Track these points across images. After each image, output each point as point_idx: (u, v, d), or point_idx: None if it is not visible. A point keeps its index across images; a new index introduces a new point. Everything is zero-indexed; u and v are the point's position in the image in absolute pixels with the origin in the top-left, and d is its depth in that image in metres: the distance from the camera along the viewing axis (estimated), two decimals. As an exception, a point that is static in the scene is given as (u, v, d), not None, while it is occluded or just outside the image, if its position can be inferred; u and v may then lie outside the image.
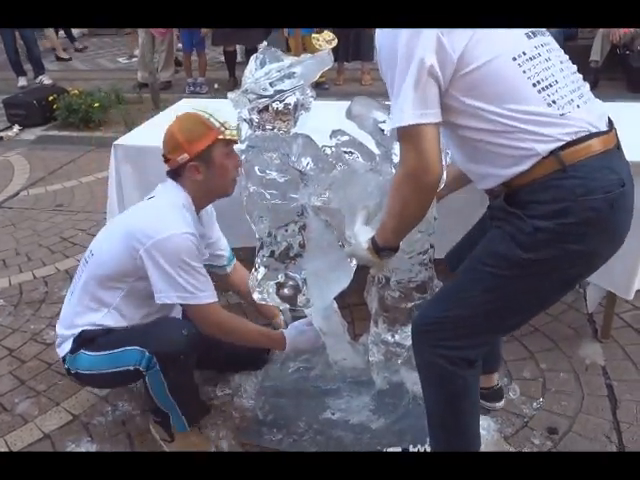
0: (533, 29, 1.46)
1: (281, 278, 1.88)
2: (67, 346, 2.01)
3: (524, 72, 1.40)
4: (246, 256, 2.07)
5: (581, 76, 1.52)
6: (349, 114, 1.86)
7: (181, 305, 1.99)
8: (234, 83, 6.53)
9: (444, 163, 1.68)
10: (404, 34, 1.36)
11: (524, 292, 1.50)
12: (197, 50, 6.68)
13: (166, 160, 1.99)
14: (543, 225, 1.40)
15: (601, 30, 5.76)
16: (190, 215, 1.96)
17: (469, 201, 2.04)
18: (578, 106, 1.43)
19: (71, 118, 5.60)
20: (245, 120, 1.86)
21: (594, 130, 1.42)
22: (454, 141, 1.56)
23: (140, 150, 2.67)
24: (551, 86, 1.41)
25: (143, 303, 2.00)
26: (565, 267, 1.46)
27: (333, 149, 1.85)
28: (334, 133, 1.87)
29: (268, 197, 1.81)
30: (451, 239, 1.98)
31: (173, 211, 1.92)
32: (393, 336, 1.96)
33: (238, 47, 6.94)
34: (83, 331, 1.99)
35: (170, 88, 6.74)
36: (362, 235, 1.67)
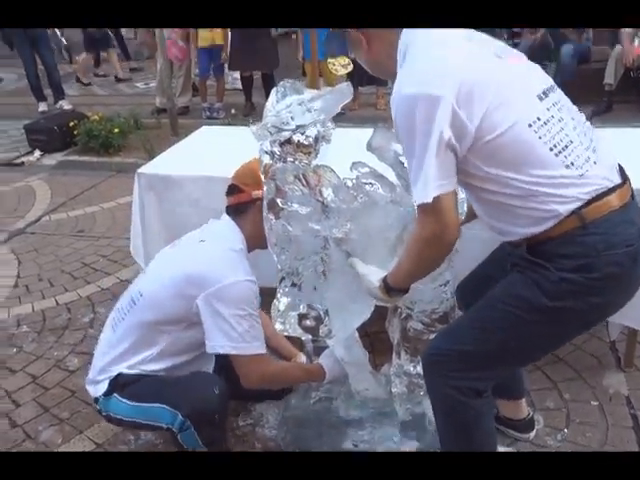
0: (544, 88, 1.49)
1: (303, 309, 1.89)
2: (102, 387, 1.99)
3: (540, 138, 1.42)
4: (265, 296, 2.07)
5: (589, 123, 1.55)
6: (369, 146, 1.87)
7: (232, 355, 1.93)
8: (251, 108, 6.61)
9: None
10: (421, 107, 1.37)
11: (540, 335, 1.55)
12: (215, 75, 6.77)
13: (234, 191, 1.98)
14: (569, 277, 1.43)
15: (615, 53, 5.77)
16: (247, 260, 1.93)
17: (488, 235, 2.05)
18: (595, 162, 1.46)
19: (91, 143, 5.69)
20: (267, 152, 1.87)
21: (611, 185, 1.46)
22: (473, 197, 1.59)
23: (163, 179, 2.70)
24: (567, 147, 1.44)
25: (185, 350, 2.00)
26: (585, 315, 1.51)
27: (354, 181, 1.87)
28: (354, 165, 1.89)
29: (290, 229, 1.82)
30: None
31: (233, 256, 1.91)
32: (415, 367, 1.96)
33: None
34: (120, 374, 1.96)
35: (188, 113, 6.83)
36: (373, 275, 1.70)
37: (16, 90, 8.54)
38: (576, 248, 1.43)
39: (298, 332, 1.93)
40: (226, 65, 6.74)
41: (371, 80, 6.47)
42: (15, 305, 3.29)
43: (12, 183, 5.18)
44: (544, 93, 1.48)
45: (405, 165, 1.83)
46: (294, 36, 7.08)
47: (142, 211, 2.76)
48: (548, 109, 1.46)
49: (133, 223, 2.80)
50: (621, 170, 1.53)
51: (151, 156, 4.73)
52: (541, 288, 1.46)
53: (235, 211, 1.98)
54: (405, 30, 1.50)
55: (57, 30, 9.60)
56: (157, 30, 6.11)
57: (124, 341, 1.98)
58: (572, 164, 1.43)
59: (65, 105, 7.23)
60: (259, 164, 1.90)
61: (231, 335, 1.86)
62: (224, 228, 1.99)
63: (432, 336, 1.92)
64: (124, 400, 1.95)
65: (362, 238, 1.83)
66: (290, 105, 1.82)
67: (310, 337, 2.00)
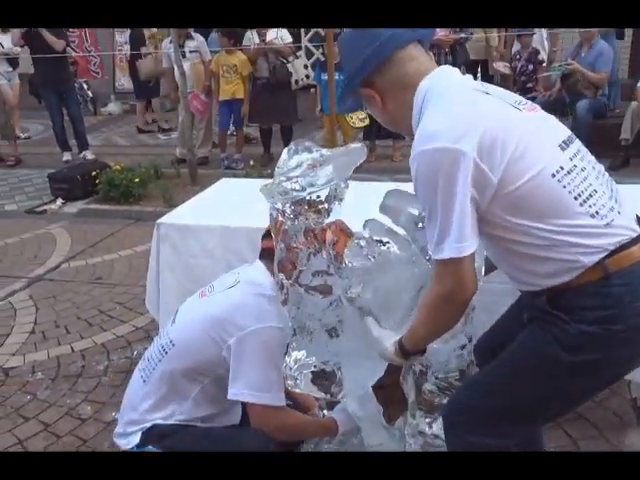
0: (565, 138, 1.49)
1: (315, 367, 1.86)
2: (134, 439, 1.95)
3: (564, 187, 1.41)
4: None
5: (607, 174, 1.54)
6: (383, 209, 1.85)
7: (250, 403, 1.91)
8: (269, 159, 6.72)
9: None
10: (442, 162, 1.36)
11: (561, 391, 1.51)
12: (235, 128, 6.92)
13: (268, 236, 1.95)
14: (589, 330, 1.40)
15: (631, 108, 5.82)
16: (278, 305, 1.89)
17: (506, 291, 2.04)
18: (619, 212, 1.45)
19: (112, 192, 5.79)
20: (278, 210, 1.84)
21: (634, 235, 1.44)
22: (494, 247, 1.56)
23: (179, 229, 2.73)
24: (591, 197, 1.42)
25: (219, 400, 1.96)
26: (607, 370, 1.47)
27: (367, 239, 1.83)
28: (367, 223, 1.86)
29: (302, 290, 1.80)
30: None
31: (262, 302, 1.89)
32: (430, 427, 1.92)
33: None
34: (155, 426, 1.93)
35: (208, 164, 6.95)
36: (386, 339, 1.67)
37: (42, 140, 8.77)
38: (599, 299, 1.40)
39: (311, 389, 1.90)
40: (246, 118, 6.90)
41: (388, 133, 6.57)
42: (31, 351, 3.31)
43: (34, 230, 5.27)
44: (565, 143, 1.47)
45: (419, 227, 1.81)
46: (312, 90, 7.26)
47: (158, 261, 2.79)
48: (570, 159, 1.45)
49: (149, 272, 2.83)
50: (639, 220, 1.52)
51: (170, 205, 4.82)
52: (560, 342, 1.43)
53: (268, 255, 1.95)
54: (420, 87, 1.51)
55: (84, 83, 9.93)
56: (180, 84, 6.29)
57: (157, 391, 1.95)
58: (597, 213, 1.41)
59: (88, 155, 7.40)
60: (270, 220, 1.89)
61: (252, 382, 1.84)
62: (255, 273, 1.98)
63: (446, 400, 1.89)
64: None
65: (376, 298, 1.79)
66: (301, 165, 1.79)
67: (323, 395, 1.95)
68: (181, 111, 6.65)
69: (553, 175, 1.40)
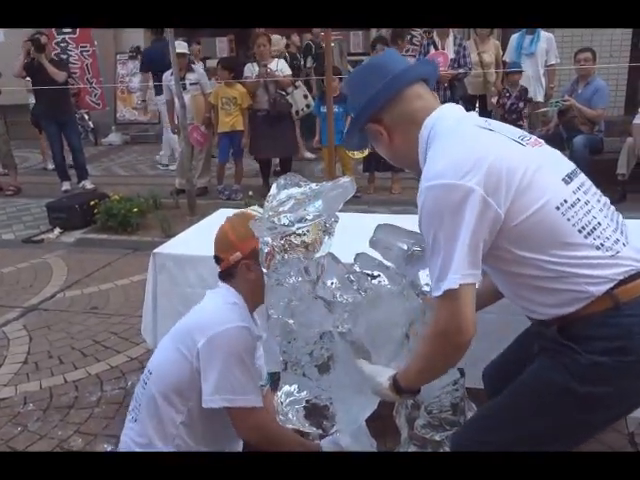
0: (569, 172, 1.51)
1: (307, 402, 1.82)
2: None
3: (568, 220, 1.43)
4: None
5: (613, 207, 1.56)
6: (372, 243, 1.85)
7: (226, 408, 1.88)
8: (268, 190, 6.72)
9: None
10: (450, 198, 1.38)
11: (572, 423, 1.49)
12: (234, 159, 6.96)
13: (218, 261, 2.00)
14: (600, 360, 1.40)
15: (627, 144, 5.88)
16: (245, 313, 1.93)
17: (502, 322, 2.02)
18: (624, 244, 1.46)
19: (110, 222, 5.79)
20: (267, 244, 1.82)
21: None
22: (500, 278, 1.57)
23: (175, 258, 2.74)
24: (595, 229, 1.45)
25: (210, 422, 1.93)
26: (617, 403, 1.47)
27: (357, 275, 1.81)
28: (357, 257, 1.86)
29: (292, 326, 1.78)
30: (482, 366, 1.95)
31: (227, 307, 1.91)
32: None
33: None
34: None
35: (206, 194, 6.97)
36: (380, 375, 1.65)
37: (42, 170, 8.81)
38: (609, 330, 1.41)
39: (304, 425, 1.85)
40: (245, 150, 6.95)
41: (387, 166, 6.61)
42: (23, 382, 3.27)
43: (30, 259, 5.26)
44: (568, 176, 1.50)
45: (408, 262, 1.82)
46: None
47: (155, 290, 2.78)
48: (574, 192, 1.47)
49: (145, 301, 2.81)
50: None
51: (168, 235, 4.82)
52: (571, 372, 1.44)
53: (226, 277, 2.01)
54: (426, 123, 1.54)
55: (85, 114, 10.03)
56: (180, 116, 6.35)
57: (148, 427, 1.93)
58: (602, 245, 1.43)
59: (88, 185, 7.43)
60: (232, 232, 1.94)
61: (222, 387, 1.81)
62: (220, 290, 2.01)
63: (439, 436, 1.87)
64: None
65: (367, 333, 1.77)
66: (288, 201, 1.77)
67: (315, 430, 1.90)
68: (181, 142, 6.70)
69: (557, 208, 1.42)
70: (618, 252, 1.44)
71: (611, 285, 1.41)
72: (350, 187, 1.78)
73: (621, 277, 1.42)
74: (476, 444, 1.55)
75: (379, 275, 1.80)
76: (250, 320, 1.95)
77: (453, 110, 1.58)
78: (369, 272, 1.81)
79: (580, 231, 1.43)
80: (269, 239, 1.78)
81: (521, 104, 6.70)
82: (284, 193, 1.81)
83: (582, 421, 1.48)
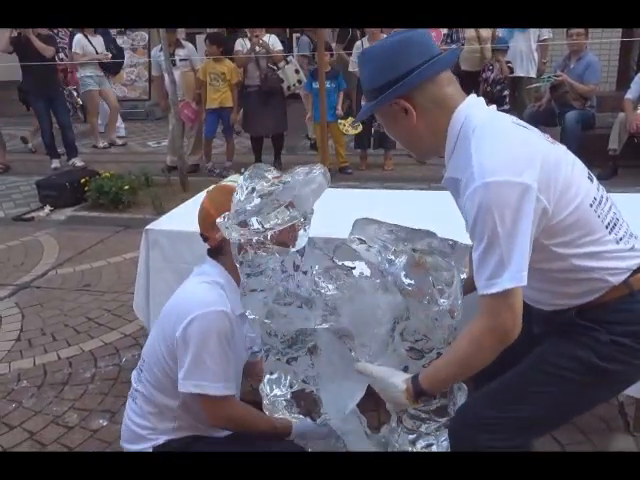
0: (587, 171, 1.58)
1: (291, 391, 1.80)
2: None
3: (599, 216, 1.51)
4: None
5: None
6: (350, 241, 1.80)
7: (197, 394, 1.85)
8: (260, 167, 6.70)
9: None
10: (509, 195, 1.37)
11: (585, 396, 1.59)
12: (225, 136, 6.92)
13: (206, 239, 1.94)
14: (620, 340, 1.51)
15: (618, 119, 5.88)
16: (229, 294, 1.85)
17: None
18: (636, 237, 1.58)
19: (101, 199, 5.77)
20: (240, 242, 1.73)
21: None
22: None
23: (168, 235, 2.72)
24: (616, 225, 1.54)
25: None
26: (627, 379, 1.59)
27: (335, 271, 1.74)
28: (336, 248, 1.79)
29: (271, 325, 1.74)
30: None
31: (203, 288, 1.85)
32: (414, 444, 1.88)
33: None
34: (166, 443, 1.91)
35: (198, 171, 6.94)
36: (394, 376, 1.63)
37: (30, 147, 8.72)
38: (626, 316, 1.51)
39: (289, 414, 1.83)
40: (235, 127, 6.89)
41: (380, 143, 6.60)
42: (16, 359, 3.27)
43: (21, 237, 5.23)
44: (589, 175, 1.57)
45: (388, 259, 1.77)
46: (304, 97, 7.25)
47: (147, 267, 2.77)
48: (598, 190, 1.55)
49: (138, 278, 2.81)
50: None
51: (159, 212, 4.79)
52: (592, 348, 1.51)
53: (215, 254, 1.94)
54: (457, 114, 1.52)
55: (73, 91, 9.89)
56: (170, 92, 6.28)
57: (145, 411, 1.93)
58: (621, 239, 1.53)
59: (77, 162, 7.36)
60: (214, 209, 1.83)
61: (195, 373, 1.78)
62: (204, 268, 1.96)
63: (426, 426, 1.86)
64: None
65: (351, 325, 1.72)
66: (260, 196, 1.68)
67: (302, 418, 1.87)
68: (171, 119, 6.64)
69: (590, 205, 1.50)
70: (634, 246, 1.54)
71: (628, 274, 1.51)
72: (324, 181, 1.69)
73: (635, 267, 1.52)
74: (493, 419, 1.57)
75: (359, 264, 1.75)
76: (230, 300, 1.85)
77: (481, 103, 1.57)
78: (350, 264, 1.75)
79: (607, 227, 1.52)
80: (239, 239, 1.69)
81: (503, 77, 6.67)
82: (252, 188, 1.71)
83: (591, 394, 1.58)
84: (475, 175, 1.41)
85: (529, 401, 1.56)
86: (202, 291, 1.85)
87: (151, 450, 1.92)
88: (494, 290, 1.41)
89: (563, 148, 1.57)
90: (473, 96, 1.58)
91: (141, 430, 1.94)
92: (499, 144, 1.44)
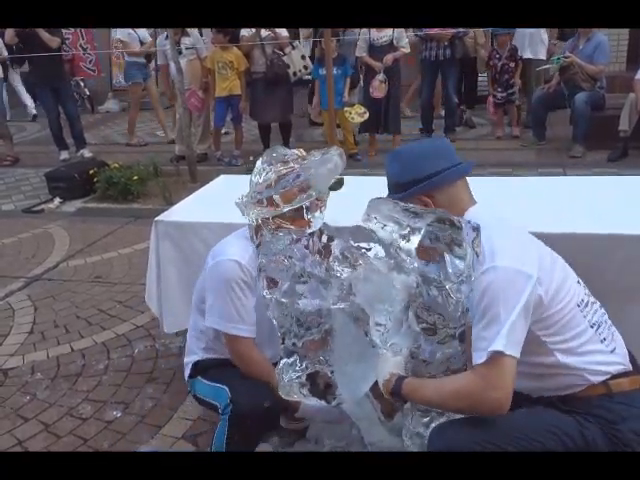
0: (577, 277, 1.73)
1: (306, 374, 1.83)
2: (187, 371, 2.26)
3: (585, 316, 1.65)
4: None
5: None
6: (366, 221, 1.78)
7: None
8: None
9: None
10: (515, 280, 1.55)
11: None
12: (234, 124, 6.90)
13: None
14: (600, 431, 1.59)
15: (629, 100, 5.81)
16: (247, 243, 2.02)
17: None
18: (618, 342, 1.69)
19: (110, 191, 5.77)
20: (257, 224, 1.83)
21: (629, 369, 1.66)
22: None
23: (179, 226, 2.72)
24: (600, 326, 1.67)
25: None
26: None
27: (353, 249, 1.78)
28: (351, 231, 1.81)
29: (288, 305, 1.78)
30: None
31: (230, 240, 2.08)
32: (427, 427, 1.87)
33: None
34: (198, 362, 2.21)
35: (206, 160, 6.93)
36: (390, 362, 1.77)
37: (39, 139, 8.75)
38: (606, 413, 1.59)
39: (304, 398, 1.87)
40: (246, 115, 6.87)
41: (386, 128, 6.56)
42: (30, 352, 3.29)
43: (31, 230, 5.24)
44: (579, 279, 1.72)
45: (403, 237, 1.79)
46: (310, 84, 7.20)
47: (158, 259, 2.77)
48: (586, 294, 1.71)
49: (149, 269, 2.81)
50: (633, 361, 1.71)
51: (169, 202, 4.80)
52: (581, 425, 1.60)
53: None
54: (466, 215, 1.71)
55: (80, 81, 9.90)
56: (177, 81, 6.26)
57: (192, 331, 2.25)
58: (604, 339, 1.66)
59: (86, 153, 7.37)
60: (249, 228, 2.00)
61: (215, 311, 2.03)
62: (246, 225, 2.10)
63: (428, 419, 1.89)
64: (205, 381, 2.17)
65: (365, 306, 1.76)
66: (271, 179, 1.75)
67: (317, 402, 1.90)
68: (179, 108, 6.62)
69: (578, 305, 1.65)
70: (615, 348, 1.66)
71: (607, 377, 1.62)
72: (340, 162, 1.78)
73: (614, 372, 1.63)
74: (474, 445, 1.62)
75: (375, 247, 1.77)
76: (250, 252, 2.01)
77: (488, 210, 1.76)
78: (365, 245, 1.79)
79: (592, 326, 1.65)
80: (257, 219, 1.79)
81: (512, 64, 6.64)
82: (270, 169, 1.79)
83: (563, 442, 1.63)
84: (486, 259, 1.60)
85: (511, 443, 1.60)
86: (226, 242, 2.09)
87: (190, 366, 2.24)
88: (484, 358, 1.52)
89: (559, 257, 1.75)
90: (482, 204, 1.79)
91: (187, 356, 2.27)
92: (506, 238, 1.64)
